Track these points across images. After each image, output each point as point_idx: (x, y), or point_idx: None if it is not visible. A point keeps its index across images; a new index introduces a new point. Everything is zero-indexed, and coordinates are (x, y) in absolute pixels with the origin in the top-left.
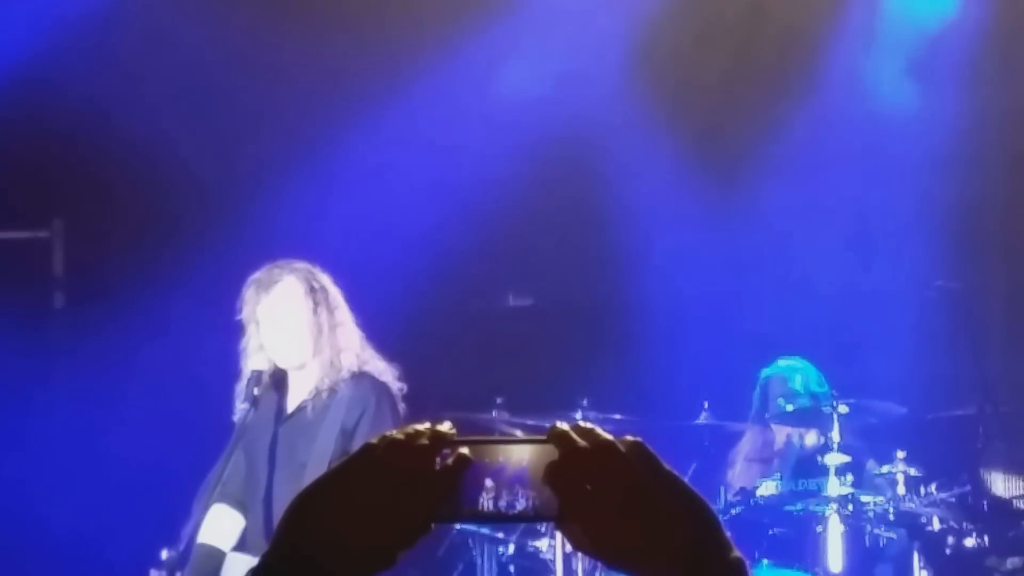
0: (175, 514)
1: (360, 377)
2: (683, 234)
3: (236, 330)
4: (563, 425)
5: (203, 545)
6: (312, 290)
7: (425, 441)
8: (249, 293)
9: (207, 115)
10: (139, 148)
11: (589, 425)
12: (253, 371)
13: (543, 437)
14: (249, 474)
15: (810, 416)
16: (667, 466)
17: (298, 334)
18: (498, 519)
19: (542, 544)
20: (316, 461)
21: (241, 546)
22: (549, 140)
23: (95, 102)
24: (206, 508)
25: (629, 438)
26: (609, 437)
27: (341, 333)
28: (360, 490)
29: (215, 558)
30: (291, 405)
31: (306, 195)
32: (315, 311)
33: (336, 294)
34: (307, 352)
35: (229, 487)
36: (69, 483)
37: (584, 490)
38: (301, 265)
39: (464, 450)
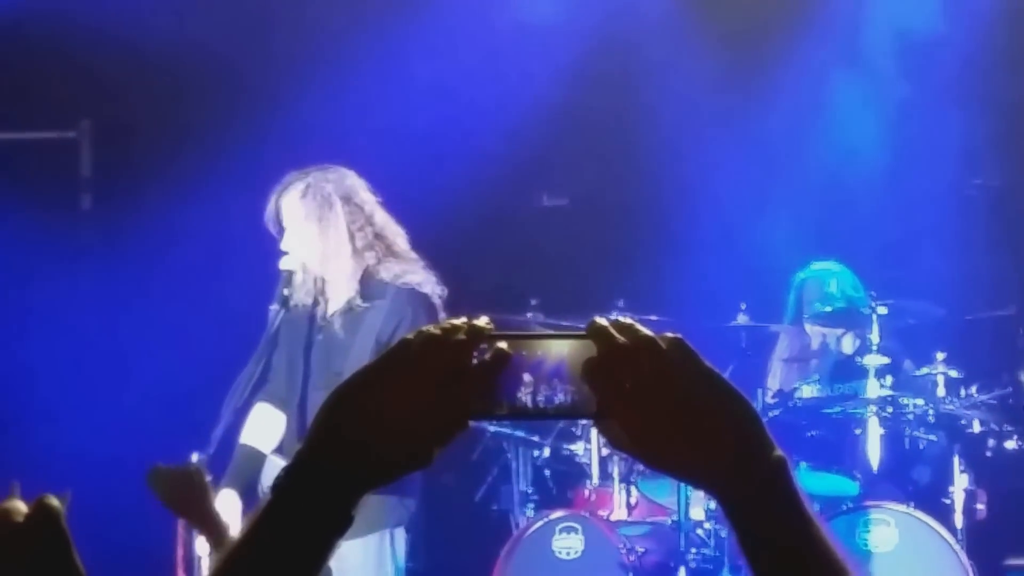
0: (204, 417)
1: (399, 288)
2: (719, 135)
3: (264, 231)
4: (602, 320)
5: (244, 446)
6: (310, 205)
7: (462, 336)
8: (271, 201)
9: (237, 14)
10: (168, 47)
11: (629, 320)
12: (282, 271)
13: (582, 332)
14: (287, 376)
15: (848, 317)
16: (708, 363)
17: (311, 240)
18: (535, 414)
19: (578, 447)
20: (351, 370)
21: (280, 449)
22: (584, 41)
23: (124, 6)
24: (243, 408)
25: (669, 334)
26: (649, 333)
27: (339, 259)
28: (396, 386)
29: (256, 460)
30: (329, 311)
31: (338, 98)
32: (308, 222)
33: (352, 202)
34: (326, 258)
35: (272, 386)
36: (95, 385)
37: (623, 386)
38: (320, 173)
39: (502, 344)
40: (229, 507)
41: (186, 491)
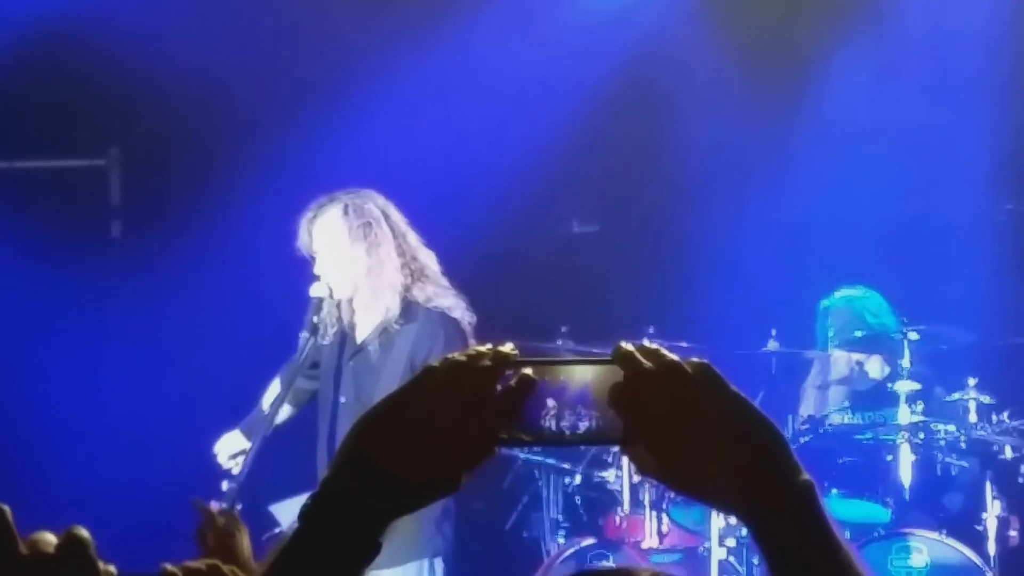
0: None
1: (429, 312)
2: (750, 161)
3: (294, 258)
4: (627, 345)
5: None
6: (352, 225)
7: (487, 362)
8: (302, 226)
9: (265, 41)
10: (195, 75)
11: (654, 345)
12: (312, 298)
13: (608, 357)
14: (320, 405)
15: (879, 343)
16: (734, 388)
17: (341, 264)
18: (561, 441)
19: (609, 475)
20: (382, 392)
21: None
22: (615, 66)
23: (151, 31)
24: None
25: (695, 360)
26: (675, 358)
27: (384, 272)
28: (422, 413)
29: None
30: (358, 334)
31: (366, 124)
32: (352, 241)
33: (384, 230)
34: (354, 282)
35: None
36: (125, 412)
37: (649, 412)
38: (349, 194)
39: (527, 370)
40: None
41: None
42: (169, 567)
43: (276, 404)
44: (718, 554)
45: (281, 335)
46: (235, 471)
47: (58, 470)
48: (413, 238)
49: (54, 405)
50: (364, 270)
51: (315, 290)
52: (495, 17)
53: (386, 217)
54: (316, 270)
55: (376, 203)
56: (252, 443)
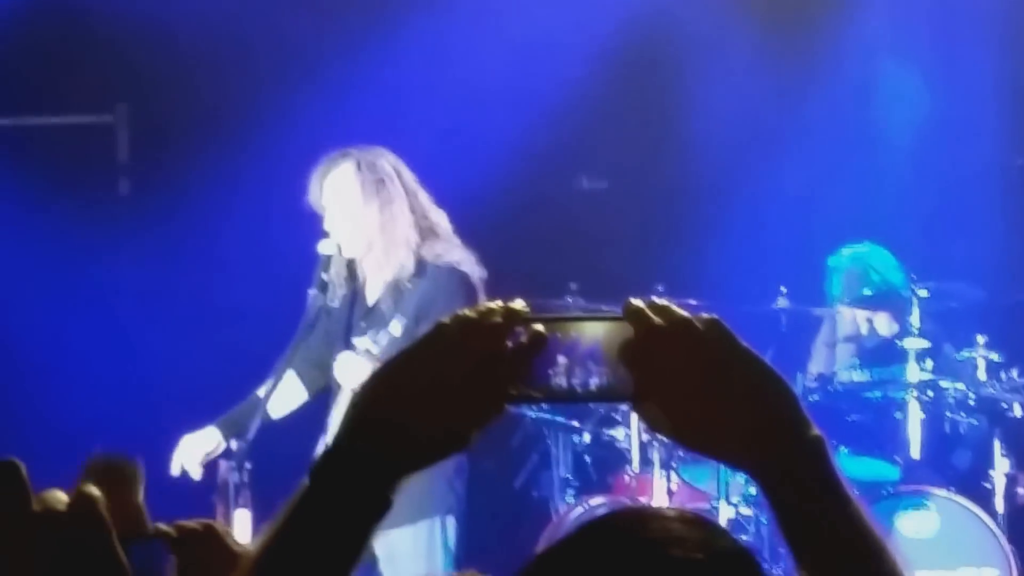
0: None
1: (438, 268)
2: (759, 117)
3: (303, 215)
4: (638, 302)
5: (255, 396)
6: (365, 180)
7: (498, 319)
8: (313, 181)
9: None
10: (205, 31)
11: (664, 302)
12: (321, 255)
13: (618, 314)
14: (325, 360)
15: (888, 300)
16: (744, 344)
17: (353, 220)
18: (572, 397)
19: (618, 433)
20: (390, 348)
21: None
22: (625, 24)
23: None
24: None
25: (706, 316)
26: (685, 314)
27: (397, 227)
28: (432, 369)
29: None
30: (368, 294)
31: (379, 79)
32: (366, 200)
33: (395, 186)
34: (367, 238)
35: (305, 355)
36: (134, 369)
37: (660, 368)
38: (361, 151)
39: (537, 327)
40: (201, 444)
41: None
42: (162, 526)
43: (279, 373)
44: (727, 512)
45: (290, 292)
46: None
47: (68, 425)
48: (424, 196)
49: (64, 362)
50: (377, 227)
51: (324, 247)
52: None
53: (398, 174)
54: (326, 226)
55: (388, 160)
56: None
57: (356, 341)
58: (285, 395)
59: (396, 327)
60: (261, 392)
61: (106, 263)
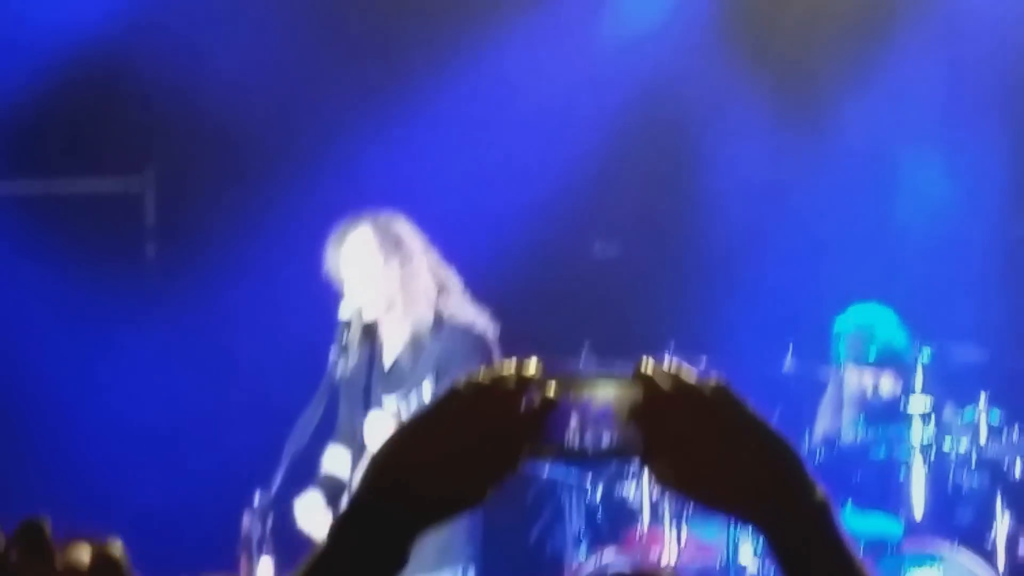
0: (266, 457)
1: (453, 328)
2: (766, 182)
3: (322, 280)
4: (648, 365)
5: (328, 474)
6: (383, 240)
7: (512, 381)
8: (330, 248)
9: (297, 69)
10: (230, 100)
11: (675, 365)
12: (342, 320)
13: (628, 375)
14: (349, 417)
15: (893, 361)
16: (751, 408)
17: (372, 282)
18: (583, 456)
19: (630, 489)
20: (409, 409)
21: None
22: (637, 93)
23: (185, 56)
24: (304, 449)
25: (713, 380)
26: (694, 380)
27: (417, 284)
28: (448, 430)
29: (336, 485)
30: (386, 355)
31: (395, 144)
32: (386, 261)
33: (413, 245)
34: (386, 300)
35: (339, 428)
36: (161, 428)
37: (669, 431)
38: (375, 215)
39: (550, 388)
40: (311, 511)
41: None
42: None
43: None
44: (735, 565)
45: (310, 352)
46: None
47: (95, 480)
48: (434, 255)
49: (92, 419)
50: (398, 283)
51: (344, 310)
52: (521, 46)
53: (412, 234)
54: (346, 290)
55: (401, 221)
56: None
57: (385, 400)
58: (337, 462)
59: (425, 387)
60: (330, 467)
61: (133, 324)
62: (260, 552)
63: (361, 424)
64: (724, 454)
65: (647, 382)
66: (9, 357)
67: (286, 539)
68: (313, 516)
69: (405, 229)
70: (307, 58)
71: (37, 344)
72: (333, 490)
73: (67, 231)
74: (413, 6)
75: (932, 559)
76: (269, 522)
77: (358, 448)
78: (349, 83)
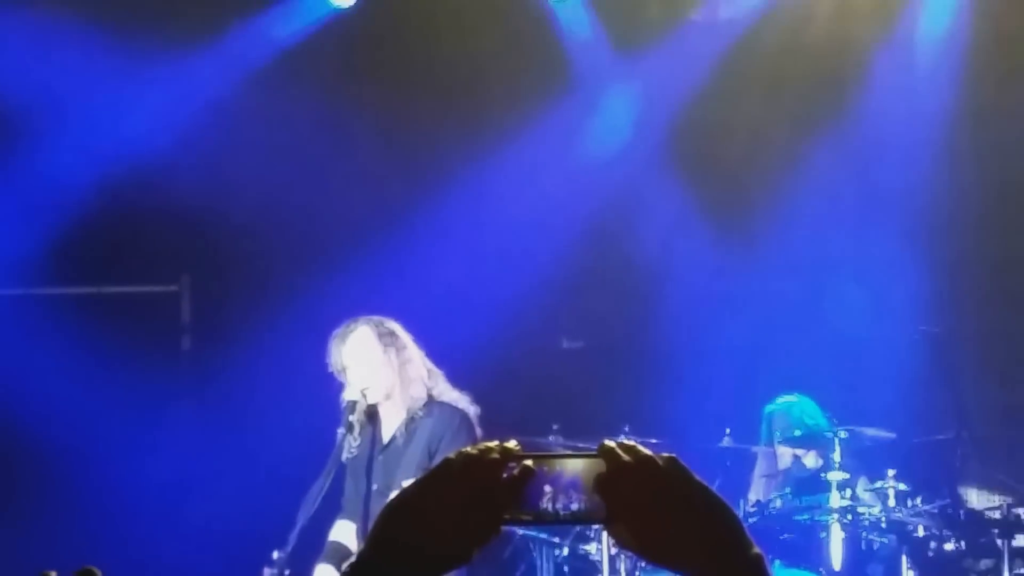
0: (284, 522)
1: (441, 406)
2: (708, 290)
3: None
4: (610, 442)
5: (334, 542)
6: (381, 335)
7: (495, 455)
8: (333, 345)
9: (311, 192)
10: (253, 216)
11: (632, 443)
12: (347, 402)
13: (593, 452)
14: (354, 488)
15: (814, 440)
16: (697, 477)
17: (374, 371)
18: (555, 520)
19: (591, 547)
20: (405, 479)
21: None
22: (599, 209)
23: (216, 182)
24: (315, 515)
25: (665, 454)
26: (649, 452)
27: (412, 368)
28: (441, 497)
29: (343, 553)
30: (385, 433)
31: (393, 258)
32: (385, 351)
33: (404, 337)
34: (385, 385)
35: (345, 502)
36: (194, 498)
37: (628, 497)
38: (370, 318)
39: (527, 462)
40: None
41: None
42: None
43: (316, 494)
44: None
45: (317, 432)
46: None
47: (137, 537)
48: (421, 348)
49: (135, 485)
50: (396, 370)
51: (348, 395)
52: (504, 175)
53: (403, 331)
54: (349, 379)
55: (392, 322)
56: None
57: (384, 473)
58: (344, 533)
59: (419, 458)
60: (337, 536)
61: (171, 405)
62: None
63: (365, 498)
64: (676, 514)
65: (611, 455)
66: (64, 433)
67: None
68: None
69: (397, 327)
70: (317, 186)
71: (89, 422)
72: (342, 559)
73: (116, 327)
74: (410, 140)
75: None
76: (286, 574)
77: (362, 520)
78: (354, 206)
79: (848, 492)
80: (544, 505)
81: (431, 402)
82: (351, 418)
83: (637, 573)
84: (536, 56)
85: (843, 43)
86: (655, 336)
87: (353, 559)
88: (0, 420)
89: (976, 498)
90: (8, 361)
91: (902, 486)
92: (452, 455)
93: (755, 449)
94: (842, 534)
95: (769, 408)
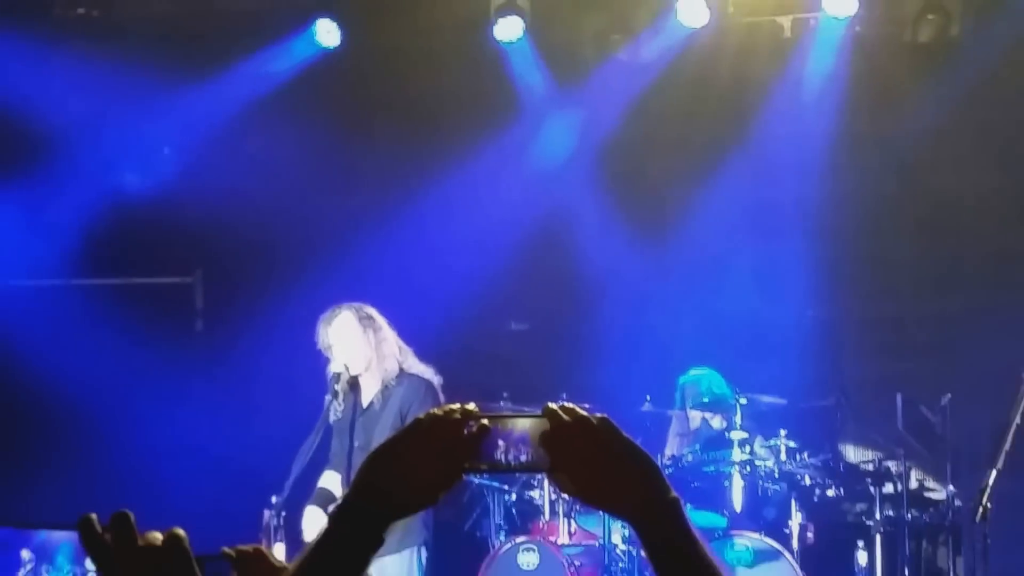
0: (279, 472)
1: (411, 377)
2: (630, 279)
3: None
4: (553, 405)
5: (322, 488)
6: (360, 318)
7: (457, 416)
8: (320, 327)
9: (304, 200)
10: (255, 221)
11: (571, 405)
12: (333, 373)
13: (539, 413)
14: (339, 445)
15: (719, 405)
16: (625, 434)
17: (355, 348)
18: (507, 469)
19: (535, 494)
20: (381, 437)
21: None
22: (543, 211)
23: (226, 191)
24: (307, 466)
25: (599, 414)
26: (585, 413)
27: (387, 346)
28: (413, 450)
29: (329, 498)
30: (364, 399)
31: (371, 253)
32: (364, 332)
33: (380, 320)
34: (364, 360)
35: (331, 455)
36: (204, 455)
37: (567, 450)
38: (350, 304)
39: (484, 421)
40: (314, 520)
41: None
42: (226, 549)
43: (307, 449)
44: (610, 547)
45: (309, 398)
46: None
47: (158, 488)
48: (394, 329)
49: (156, 447)
50: (373, 347)
51: (333, 368)
52: (463, 183)
53: (379, 315)
54: (334, 355)
55: (369, 307)
56: (291, 473)
57: (364, 432)
58: (331, 482)
59: (392, 420)
60: (325, 484)
61: (186, 380)
62: (275, 538)
63: (348, 453)
64: (607, 465)
65: (553, 416)
66: (98, 402)
67: (294, 531)
68: (315, 524)
69: (374, 312)
70: (309, 195)
71: (118, 393)
72: (328, 502)
73: (140, 312)
74: (388, 157)
75: (745, 543)
76: (282, 517)
77: (345, 471)
78: (340, 212)
79: (747, 448)
80: (498, 457)
81: (402, 374)
82: (336, 387)
83: (573, 514)
84: (491, 88)
85: (745, 79)
86: (588, 319)
87: (339, 502)
88: (44, 391)
89: (853, 453)
90: (52, 341)
91: (792, 443)
92: (421, 416)
93: (671, 412)
94: (742, 483)
95: (682, 379)
